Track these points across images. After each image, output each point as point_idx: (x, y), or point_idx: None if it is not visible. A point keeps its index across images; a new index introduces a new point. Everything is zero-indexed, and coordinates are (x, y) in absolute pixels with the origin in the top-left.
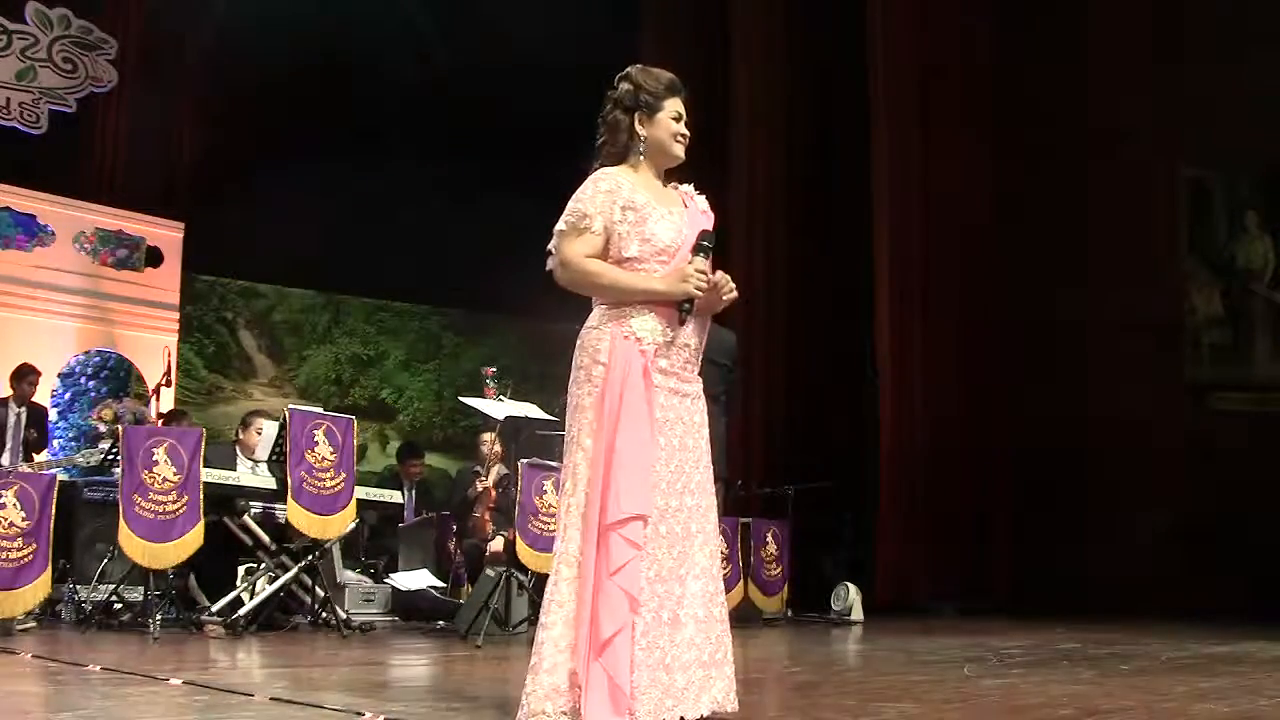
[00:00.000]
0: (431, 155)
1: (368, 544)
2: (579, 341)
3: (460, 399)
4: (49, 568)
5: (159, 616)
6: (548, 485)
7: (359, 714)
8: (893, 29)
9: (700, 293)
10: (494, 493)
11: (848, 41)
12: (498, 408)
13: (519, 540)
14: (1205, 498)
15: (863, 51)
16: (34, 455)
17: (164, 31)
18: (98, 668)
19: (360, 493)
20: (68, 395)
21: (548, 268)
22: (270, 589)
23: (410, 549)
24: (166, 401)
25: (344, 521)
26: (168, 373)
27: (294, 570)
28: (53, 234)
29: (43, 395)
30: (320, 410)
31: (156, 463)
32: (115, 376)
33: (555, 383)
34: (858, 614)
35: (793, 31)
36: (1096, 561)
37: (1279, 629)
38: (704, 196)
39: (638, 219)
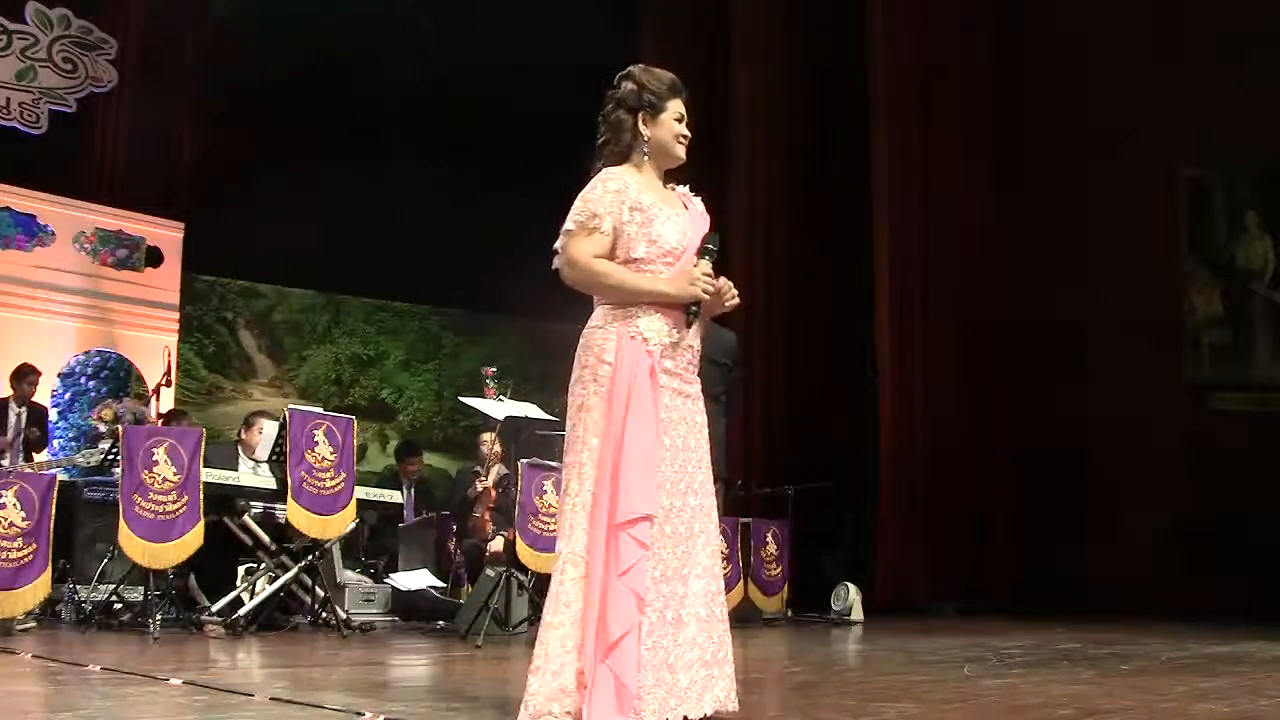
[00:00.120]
0: (431, 155)
1: (368, 544)
2: (583, 341)
3: (460, 399)
4: (49, 568)
5: (159, 616)
6: (548, 485)
7: (359, 714)
8: (893, 29)
9: (707, 296)
10: (494, 493)
11: (848, 41)
12: (498, 408)
13: (519, 540)
14: (1205, 498)
15: (863, 51)
16: (34, 455)
17: (164, 31)
18: (98, 668)
19: (360, 493)
20: (68, 395)
21: (554, 266)
22: (270, 589)
23: (410, 549)
24: (166, 401)
25: (344, 521)
26: (168, 373)
27: (294, 570)
28: (53, 234)
29: (43, 395)
30: (320, 410)
31: (156, 463)
32: (115, 376)
33: (555, 383)
34: (858, 614)
35: (793, 31)
36: (1096, 561)
37: (1279, 629)
38: (699, 198)
39: (645, 220)
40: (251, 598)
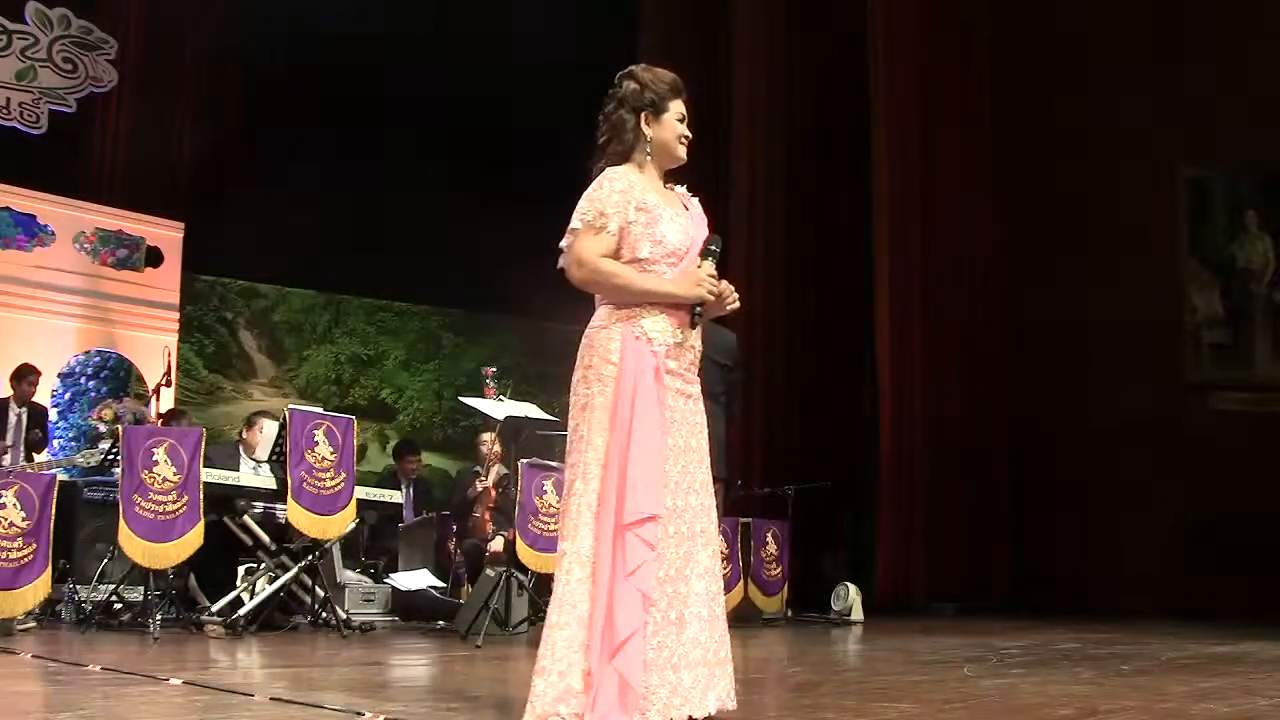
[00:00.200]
0: (432, 155)
1: (368, 544)
2: (586, 340)
3: (460, 399)
4: (49, 568)
5: (159, 616)
6: (548, 485)
7: (359, 714)
8: (893, 29)
9: (712, 297)
10: (494, 493)
11: (848, 41)
12: (498, 408)
13: (519, 540)
14: (1205, 498)
15: (863, 51)
16: (35, 455)
17: (164, 31)
18: (98, 668)
19: (360, 493)
20: (68, 395)
21: (559, 265)
22: (270, 589)
23: (410, 549)
24: (166, 401)
25: (344, 521)
26: (168, 373)
27: (294, 570)
28: (53, 234)
29: (43, 395)
30: (320, 410)
31: (156, 463)
32: (115, 376)
33: (555, 383)
34: (858, 614)
35: (793, 31)
36: (1096, 561)
37: (1279, 629)
38: (696, 199)
39: (649, 220)
40: (251, 598)
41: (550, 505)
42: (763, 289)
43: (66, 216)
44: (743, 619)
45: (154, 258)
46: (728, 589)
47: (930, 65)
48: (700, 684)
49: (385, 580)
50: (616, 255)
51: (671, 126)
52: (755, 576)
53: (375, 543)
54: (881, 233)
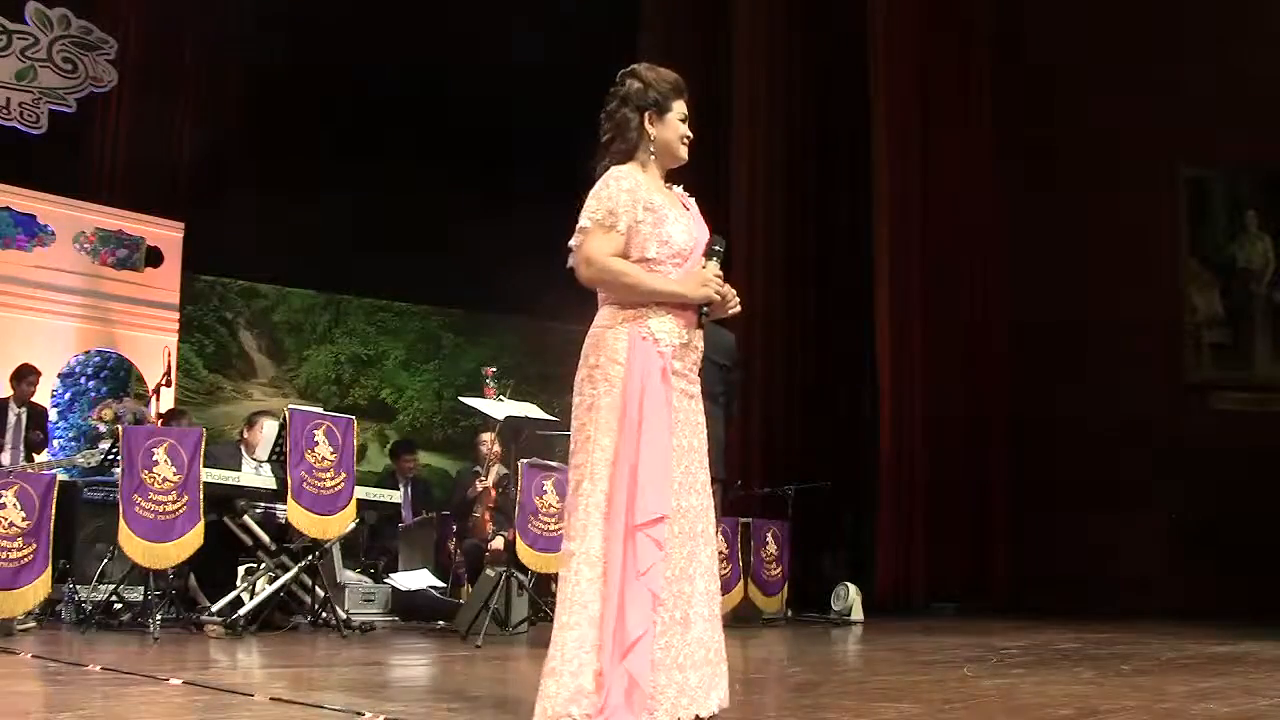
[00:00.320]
0: (432, 155)
1: (368, 544)
2: (592, 340)
3: (460, 399)
4: (49, 568)
5: (159, 616)
6: (548, 485)
7: (359, 714)
8: (893, 29)
9: (719, 297)
10: (494, 493)
11: (848, 41)
12: (498, 408)
13: (519, 540)
14: (1205, 498)
15: (863, 51)
16: (35, 455)
17: (164, 31)
18: (98, 668)
19: (360, 493)
20: (68, 395)
21: (569, 264)
22: (270, 589)
23: (410, 549)
24: (166, 401)
25: (344, 521)
26: (168, 373)
27: (294, 570)
28: (53, 234)
29: (43, 395)
30: (320, 410)
31: (156, 463)
32: (115, 376)
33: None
34: (858, 614)
35: (793, 31)
36: (1096, 561)
37: (1279, 629)
38: (693, 199)
39: (656, 220)
40: (251, 598)
41: (550, 505)
42: (763, 289)
43: (66, 216)
44: (743, 619)
45: (154, 258)
46: (728, 589)
47: (930, 65)
48: (704, 684)
49: (385, 580)
50: (624, 255)
51: (674, 126)
52: (755, 576)
53: (375, 543)
54: (881, 233)
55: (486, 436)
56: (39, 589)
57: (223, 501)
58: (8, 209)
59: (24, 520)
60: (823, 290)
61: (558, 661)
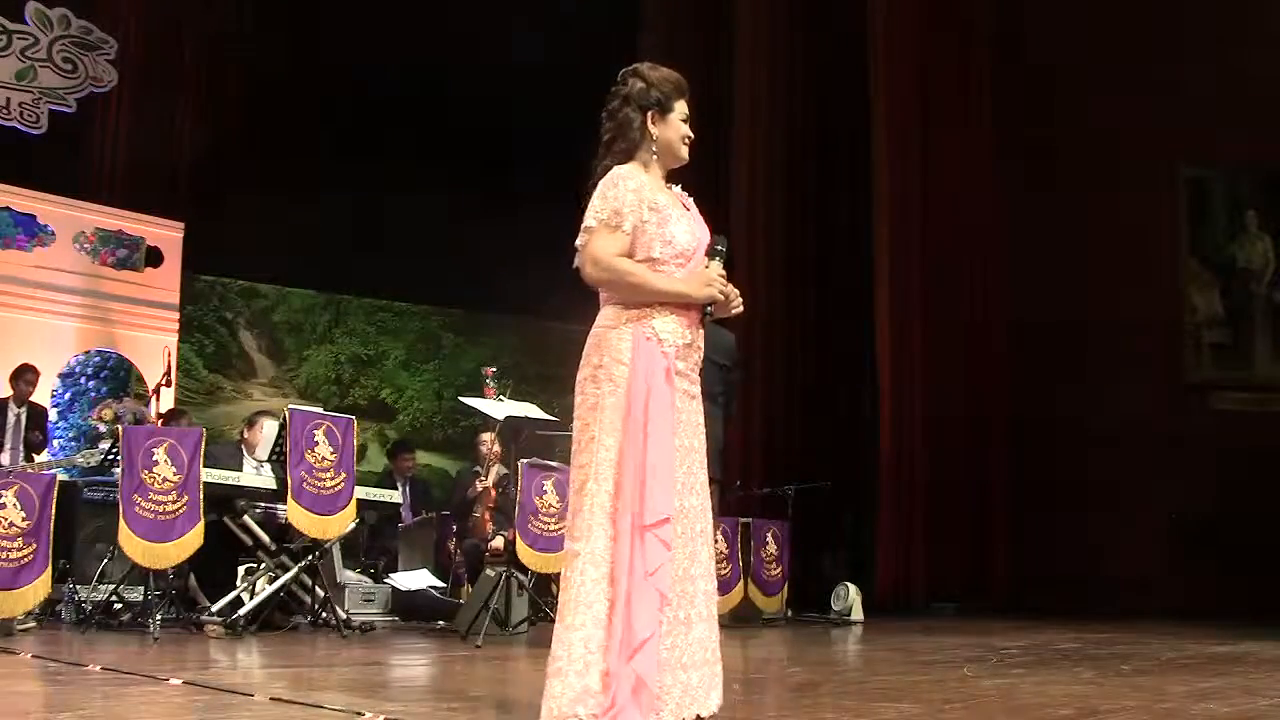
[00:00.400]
0: (432, 155)
1: (368, 544)
2: (595, 339)
3: (460, 399)
4: (49, 568)
5: (159, 616)
6: (548, 485)
7: (359, 714)
8: (893, 29)
9: (723, 297)
10: (494, 493)
11: (848, 41)
12: (498, 408)
13: (519, 540)
14: (1205, 498)
15: (863, 51)
16: (34, 455)
17: (164, 31)
18: (98, 668)
19: (360, 493)
20: (68, 395)
21: (575, 264)
22: (270, 589)
23: (410, 549)
24: (166, 401)
25: (344, 521)
26: (168, 373)
27: (294, 570)
28: (53, 234)
29: (43, 395)
30: (320, 410)
31: (156, 463)
32: (115, 376)
33: (555, 383)
34: (858, 614)
35: (793, 32)
36: (1096, 561)
37: (1279, 629)
38: (692, 199)
39: (660, 220)
40: (251, 598)
41: (550, 505)
42: (763, 289)
43: (66, 216)
44: (743, 619)
45: (154, 258)
46: (728, 589)
47: (930, 65)
48: (705, 683)
49: (385, 580)
50: (629, 255)
51: (676, 126)
52: (755, 576)
53: (375, 543)
54: (881, 233)
55: (486, 436)
56: (39, 589)
57: (223, 501)
58: (8, 209)
59: (24, 520)
60: (823, 290)
61: (563, 662)
